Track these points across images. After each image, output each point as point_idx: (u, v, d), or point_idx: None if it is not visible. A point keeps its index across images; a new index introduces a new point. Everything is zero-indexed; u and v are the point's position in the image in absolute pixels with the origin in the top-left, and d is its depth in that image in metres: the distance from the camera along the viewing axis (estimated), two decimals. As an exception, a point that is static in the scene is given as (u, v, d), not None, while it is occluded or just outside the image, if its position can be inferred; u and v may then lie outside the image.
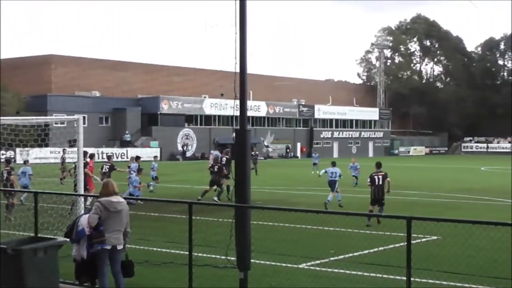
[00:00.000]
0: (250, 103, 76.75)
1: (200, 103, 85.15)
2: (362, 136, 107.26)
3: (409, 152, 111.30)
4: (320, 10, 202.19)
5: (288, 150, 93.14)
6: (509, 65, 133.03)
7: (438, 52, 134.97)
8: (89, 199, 17.96)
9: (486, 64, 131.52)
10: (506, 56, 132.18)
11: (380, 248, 15.48)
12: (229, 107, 79.54)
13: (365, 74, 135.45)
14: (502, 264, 12.81)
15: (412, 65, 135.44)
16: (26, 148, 29.97)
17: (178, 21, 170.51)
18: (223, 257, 12.39)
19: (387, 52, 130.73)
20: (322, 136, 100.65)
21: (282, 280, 12.40)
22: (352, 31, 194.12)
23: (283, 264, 13.70)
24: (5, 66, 74.70)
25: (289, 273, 12.92)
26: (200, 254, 13.74)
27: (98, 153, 69.80)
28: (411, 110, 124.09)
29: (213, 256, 14.01)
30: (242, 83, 10.96)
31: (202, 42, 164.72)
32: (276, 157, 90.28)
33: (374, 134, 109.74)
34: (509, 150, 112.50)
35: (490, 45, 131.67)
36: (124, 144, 75.52)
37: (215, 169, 28.51)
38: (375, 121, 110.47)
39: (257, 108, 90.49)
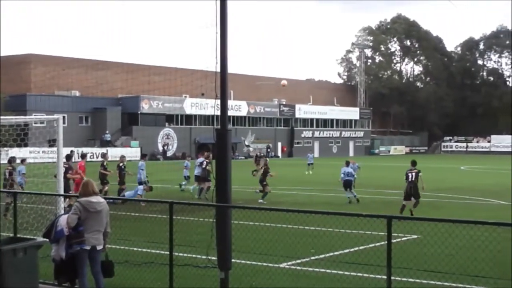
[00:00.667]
0: (231, 102, 76.78)
1: (180, 103, 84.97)
2: (342, 135, 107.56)
3: (389, 151, 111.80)
4: (301, 9, 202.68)
5: (269, 150, 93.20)
6: (488, 65, 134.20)
7: (418, 52, 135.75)
8: (67, 200, 17.84)
9: (465, 64, 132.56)
10: (485, 56, 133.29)
11: (361, 247, 15.51)
12: (209, 106, 79.33)
13: (346, 73, 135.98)
14: (481, 263, 12.87)
15: (392, 64, 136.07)
16: (5, 148, 29.69)
17: (159, 21, 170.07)
18: (204, 257, 12.36)
19: (368, 52, 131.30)
20: (302, 135, 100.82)
21: (263, 279, 12.39)
22: (333, 31, 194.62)
23: (264, 264, 13.68)
24: (-17, 65, 74.14)
25: (270, 273, 12.91)
26: (181, 254, 13.70)
27: (78, 153, 69.75)
28: (391, 109, 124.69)
29: (194, 256, 13.97)
30: (223, 83, 10.94)
31: (182, 41, 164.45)
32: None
33: (355, 133, 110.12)
34: (488, 150, 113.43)
35: (470, 45, 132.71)
36: (104, 143, 75.19)
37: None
38: (355, 120, 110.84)
39: (238, 107, 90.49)
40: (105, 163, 29.23)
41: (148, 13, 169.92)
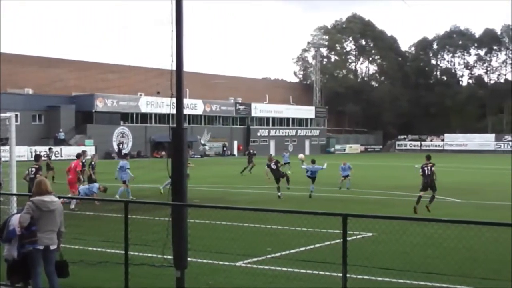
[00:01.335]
0: (186, 101, 76.46)
1: (135, 101, 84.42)
2: (298, 134, 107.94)
3: (344, 150, 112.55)
4: (257, 8, 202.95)
5: (225, 148, 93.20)
6: (441, 64, 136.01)
7: (373, 51, 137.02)
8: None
9: (419, 63, 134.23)
10: (439, 56, 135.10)
11: (317, 245, 15.59)
12: (165, 105, 78.30)
13: (302, 72, 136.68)
14: (435, 260, 13.05)
15: (347, 64, 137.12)
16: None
17: (113, 18, 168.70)
18: (159, 256, 12.29)
19: (323, 51, 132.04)
20: (259, 134, 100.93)
21: (220, 278, 12.38)
22: (289, 30, 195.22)
23: (220, 262, 13.66)
24: None
25: (226, 271, 12.91)
26: (136, 253, 13.61)
27: (31, 152, 68.82)
28: (346, 108, 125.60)
29: (149, 255, 13.88)
30: (178, 81, 10.89)
31: (137, 39, 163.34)
32: (213, 155, 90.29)
33: (311, 132, 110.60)
34: (441, 148, 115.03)
35: (423, 45, 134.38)
36: (58, 142, 74.24)
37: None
38: (311, 119, 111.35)
39: (194, 106, 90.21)
40: (93, 162, 28.99)
41: (102, 10, 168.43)
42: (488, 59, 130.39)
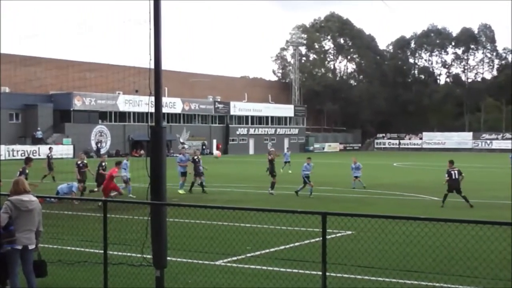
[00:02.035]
0: (165, 99, 76.23)
1: (114, 100, 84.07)
2: (277, 132, 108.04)
3: (323, 148, 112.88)
4: (235, 7, 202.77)
5: (204, 147, 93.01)
6: (419, 63, 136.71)
7: (351, 50, 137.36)
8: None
9: (397, 62, 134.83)
10: (417, 55, 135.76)
11: (296, 244, 15.62)
12: (143, 103, 78.72)
13: (280, 71, 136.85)
14: (413, 258, 13.13)
15: (326, 62, 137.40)
16: None
17: (90, 15, 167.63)
18: (139, 255, 12.25)
19: (302, 50, 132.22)
20: (238, 132, 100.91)
21: (199, 277, 12.37)
22: (268, 28, 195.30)
23: (200, 261, 13.65)
24: None
25: (206, 270, 12.90)
26: (115, 253, 13.56)
27: (9, 151, 68.33)
28: (325, 107, 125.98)
29: (128, 254, 13.84)
30: (157, 80, 10.87)
31: (115, 37, 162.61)
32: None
33: (290, 130, 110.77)
34: (420, 146, 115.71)
35: (401, 44, 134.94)
36: (36, 141, 73.74)
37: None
38: (290, 117, 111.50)
39: (173, 104, 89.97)
40: (103, 163, 28.91)
41: (79, 7, 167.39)
42: (465, 58, 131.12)
